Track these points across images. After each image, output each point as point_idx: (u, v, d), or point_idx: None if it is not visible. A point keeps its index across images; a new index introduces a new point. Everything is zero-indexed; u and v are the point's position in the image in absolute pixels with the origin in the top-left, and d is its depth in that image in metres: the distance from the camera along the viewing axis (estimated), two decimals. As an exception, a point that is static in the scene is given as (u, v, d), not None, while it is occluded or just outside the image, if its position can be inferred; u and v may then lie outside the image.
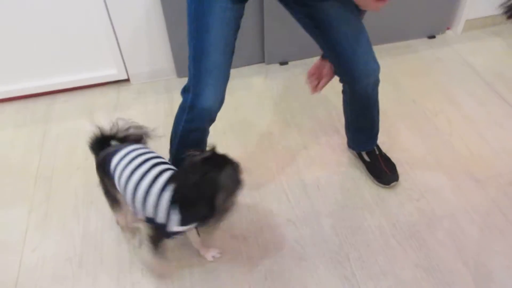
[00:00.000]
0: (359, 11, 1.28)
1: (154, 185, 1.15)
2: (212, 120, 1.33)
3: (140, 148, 1.28)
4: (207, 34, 1.16)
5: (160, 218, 1.14)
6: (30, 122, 1.97)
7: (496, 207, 1.52)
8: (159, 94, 2.08)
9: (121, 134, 1.33)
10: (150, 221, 1.17)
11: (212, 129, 1.39)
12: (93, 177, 1.69)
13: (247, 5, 1.24)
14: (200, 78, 1.22)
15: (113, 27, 1.93)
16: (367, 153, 1.64)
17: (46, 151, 1.83)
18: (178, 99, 2.06)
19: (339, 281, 1.34)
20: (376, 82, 1.39)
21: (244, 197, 1.60)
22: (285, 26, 2.04)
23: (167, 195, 1.12)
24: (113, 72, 2.09)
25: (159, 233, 1.20)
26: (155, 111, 1.99)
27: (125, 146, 1.28)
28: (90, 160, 1.75)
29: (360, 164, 1.69)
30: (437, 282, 1.32)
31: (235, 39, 1.23)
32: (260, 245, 1.45)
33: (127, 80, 2.15)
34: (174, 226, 1.14)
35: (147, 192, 1.15)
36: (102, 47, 1.99)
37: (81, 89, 2.13)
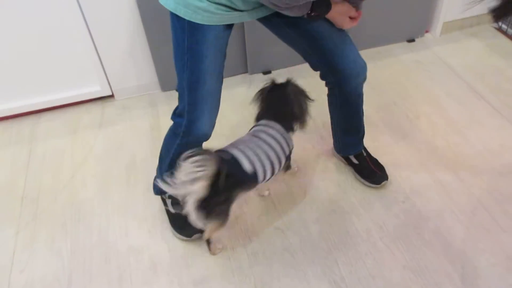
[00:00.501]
0: None
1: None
2: (207, 139, 1.35)
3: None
4: (202, 64, 1.18)
5: (291, 143, 1.42)
6: (15, 142, 1.97)
7: (481, 206, 1.54)
8: (144, 108, 2.09)
9: None
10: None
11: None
12: (80, 193, 1.70)
13: None
14: (196, 106, 1.24)
15: (94, 44, 1.94)
16: (355, 156, 1.66)
17: (32, 171, 1.82)
18: (163, 113, 2.08)
19: (329, 286, 1.35)
20: (365, 79, 1.42)
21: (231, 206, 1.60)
22: (267, 35, 2.06)
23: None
24: (97, 88, 2.09)
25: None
26: (141, 126, 1.99)
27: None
28: (76, 177, 1.77)
29: (345, 169, 1.70)
30: (425, 282, 1.34)
31: (225, 60, 1.26)
32: (249, 254, 1.45)
33: (112, 96, 2.15)
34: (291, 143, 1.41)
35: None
36: (85, 64, 2.00)
37: (65, 107, 2.13)
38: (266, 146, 1.32)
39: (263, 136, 1.35)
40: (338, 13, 1.25)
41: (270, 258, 1.44)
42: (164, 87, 2.16)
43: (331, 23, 1.29)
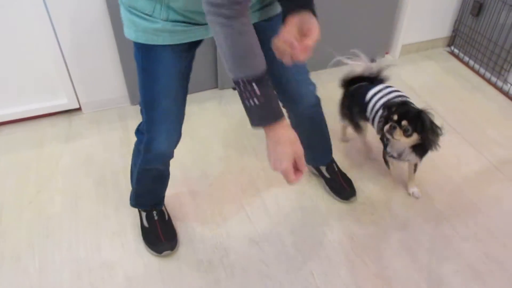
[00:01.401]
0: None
1: None
2: (169, 157, 1.35)
3: (390, 87, 1.68)
4: (156, 84, 1.14)
5: None
6: (-26, 156, 1.88)
7: (442, 217, 1.64)
8: (113, 122, 2.06)
9: (371, 75, 1.73)
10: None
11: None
12: (48, 209, 1.64)
13: None
14: (153, 125, 1.22)
15: (63, 55, 1.90)
16: (327, 169, 1.71)
17: (-6, 186, 1.74)
18: (133, 127, 2.05)
19: (305, 297, 1.38)
20: (317, 101, 1.44)
21: (206, 220, 1.61)
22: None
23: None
24: (63, 101, 2.04)
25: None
26: (110, 140, 1.96)
27: (378, 84, 1.69)
28: (42, 193, 1.71)
29: (316, 181, 1.76)
30: (396, 290, 1.40)
31: (186, 85, 1.21)
32: (225, 267, 1.46)
33: (79, 109, 2.11)
34: None
35: None
36: (51, 75, 1.95)
37: (28, 120, 2.06)
38: None
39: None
40: (286, 142, 0.99)
41: (246, 270, 1.45)
42: (134, 101, 2.14)
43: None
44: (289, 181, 0.99)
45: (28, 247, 1.52)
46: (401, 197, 1.71)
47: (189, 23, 1.07)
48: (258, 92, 0.91)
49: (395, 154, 1.59)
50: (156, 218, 1.51)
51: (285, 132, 0.98)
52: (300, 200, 1.69)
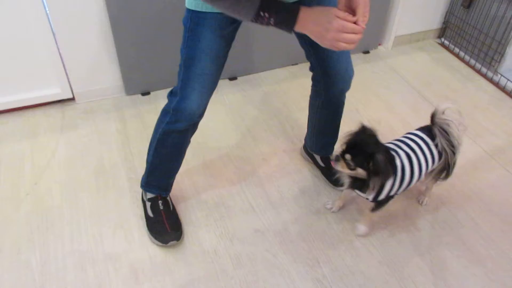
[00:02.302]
0: None
1: None
2: (194, 125, 1.37)
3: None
4: (199, 42, 1.20)
5: None
6: (-36, 147, 1.81)
7: (442, 203, 1.68)
8: (109, 112, 2.02)
9: None
10: None
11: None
12: (46, 201, 1.61)
13: None
14: (188, 83, 1.25)
15: (56, 44, 1.85)
16: (322, 159, 1.73)
17: (-12, 178, 1.69)
18: (130, 117, 2.03)
19: (313, 284, 1.39)
20: (348, 88, 1.49)
21: (210, 211, 1.60)
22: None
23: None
24: (57, 91, 1.99)
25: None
26: (107, 130, 1.92)
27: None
28: (39, 184, 1.67)
29: (316, 170, 1.77)
30: (400, 275, 1.43)
31: (227, 52, 1.27)
32: (232, 257, 1.46)
33: (72, 99, 2.05)
34: None
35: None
36: (44, 64, 1.89)
37: (20, 110, 2.00)
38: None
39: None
40: (315, 23, 0.99)
41: (253, 259, 1.46)
42: (129, 91, 2.10)
43: None
44: (358, 33, 1.00)
45: (29, 240, 1.48)
46: (401, 185, 1.74)
47: None
48: (267, 15, 0.98)
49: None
50: (161, 207, 1.50)
51: (311, 16, 1.00)
52: (303, 189, 1.70)
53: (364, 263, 1.46)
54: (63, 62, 1.91)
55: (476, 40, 2.39)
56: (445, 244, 1.53)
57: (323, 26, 0.99)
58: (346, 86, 1.47)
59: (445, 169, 1.50)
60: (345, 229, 1.57)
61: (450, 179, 1.77)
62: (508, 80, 2.25)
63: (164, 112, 1.36)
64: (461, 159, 1.87)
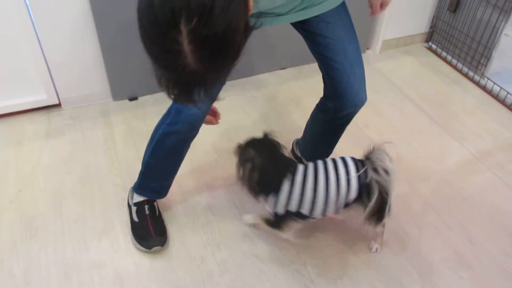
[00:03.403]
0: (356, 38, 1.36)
1: None
2: (195, 128, 1.34)
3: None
4: None
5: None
6: None
7: (429, 207, 1.68)
8: (96, 118, 2.00)
9: None
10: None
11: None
12: (30, 208, 1.58)
13: None
14: None
15: (41, 49, 1.83)
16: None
17: (-29, 186, 1.66)
18: (117, 123, 2.01)
19: (300, 290, 1.38)
20: (357, 111, 1.46)
21: (197, 216, 1.59)
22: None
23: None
24: (42, 97, 1.97)
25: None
26: (93, 137, 1.91)
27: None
28: (24, 192, 1.65)
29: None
30: (388, 280, 1.42)
31: None
32: (218, 263, 1.45)
33: (58, 105, 2.04)
34: None
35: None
36: (29, 70, 1.87)
37: (6, 117, 1.97)
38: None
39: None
40: None
41: (240, 265, 1.44)
42: (116, 96, 2.09)
43: (345, 47, 1.29)
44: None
45: (12, 249, 1.45)
46: (389, 188, 1.74)
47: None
48: None
49: None
50: (147, 212, 1.48)
51: None
52: (290, 194, 1.70)
53: (351, 268, 1.45)
54: (48, 68, 1.89)
55: (463, 44, 2.41)
56: (432, 248, 1.53)
57: None
58: (356, 109, 1.44)
59: (380, 210, 1.31)
60: (333, 233, 1.56)
61: (436, 181, 1.78)
62: (494, 83, 2.27)
63: (167, 112, 1.35)
64: (449, 162, 1.88)
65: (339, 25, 1.29)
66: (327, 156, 1.70)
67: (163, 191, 1.52)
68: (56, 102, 2.01)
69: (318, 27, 1.28)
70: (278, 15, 1.19)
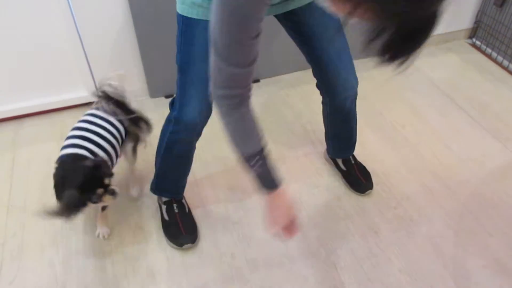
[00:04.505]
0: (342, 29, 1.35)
1: None
2: (198, 133, 1.35)
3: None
4: (193, 46, 1.18)
5: None
6: (-4, 148, 1.89)
7: (467, 211, 1.61)
8: (133, 115, 2.06)
9: None
10: None
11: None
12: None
13: None
14: (185, 90, 1.24)
15: (83, 47, 1.90)
16: (343, 162, 1.70)
17: (17, 179, 1.75)
18: (152, 119, 2.05)
19: (329, 291, 1.37)
20: (354, 96, 1.46)
21: (228, 214, 1.61)
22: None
23: None
24: (83, 94, 2.04)
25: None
26: (130, 133, 1.96)
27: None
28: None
29: (337, 175, 1.74)
30: (421, 285, 1.38)
31: None
32: (248, 261, 1.45)
33: (98, 102, 2.11)
34: None
35: None
36: (71, 68, 1.95)
37: (49, 113, 2.07)
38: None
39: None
40: (281, 207, 1.11)
41: (269, 264, 1.45)
42: (153, 94, 2.14)
43: (331, 37, 1.30)
44: (284, 237, 1.15)
45: (52, 240, 1.52)
46: (424, 190, 1.69)
47: None
48: (255, 166, 1.04)
49: None
50: (176, 211, 1.51)
51: (282, 200, 1.10)
52: (322, 194, 1.68)
53: (383, 271, 1.42)
54: (89, 66, 1.96)
55: (509, 40, 2.29)
56: (469, 254, 1.47)
57: (276, 216, 1.12)
58: (350, 94, 1.43)
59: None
60: (365, 235, 1.53)
61: (477, 184, 1.70)
62: (543, 82, 2.14)
63: (167, 121, 1.36)
64: (490, 165, 1.80)
65: (322, 13, 1.24)
66: (351, 147, 1.68)
67: (180, 191, 1.55)
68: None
69: (304, 15, 1.26)
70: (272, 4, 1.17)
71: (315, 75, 1.45)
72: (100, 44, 1.91)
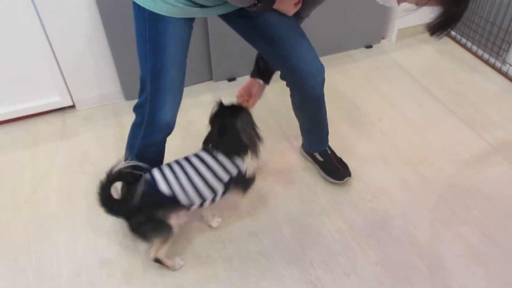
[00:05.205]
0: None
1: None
2: (169, 133, 1.35)
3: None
4: (164, 53, 1.19)
5: (232, 171, 1.32)
6: (-32, 157, 1.86)
7: (442, 201, 1.62)
8: (108, 118, 2.04)
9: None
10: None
11: (165, 148, 1.41)
12: (44, 208, 1.63)
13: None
14: (159, 95, 1.25)
15: (53, 52, 1.87)
16: (320, 154, 1.70)
17: (-11, 187, 1.73)
18: (128, 122, 2.02)
19: (306, 287, 1.37)
20: (323, 81, 1.44)
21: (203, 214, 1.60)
22: (231, 42, 2.09)
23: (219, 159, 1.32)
24: (56, 99, 2.02)
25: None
26: (106, 136, 1.94)
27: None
28: (38, 193, 1.70)
29: (314, 170, 1.74)
30: (396, 277, 1.39)
31: (187, 55, 1.27)
32: (224, 261, 1.45)
33: (73, 106, 2.09)
34: (242, 165, 1.35)
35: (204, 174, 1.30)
36: (42, 73, 1.92)
37: (22, 119, 2.04)
38: (193, 171, 1.29)
39: (194, 160, 1.32)
40: (282, 2, 1.25)
41: (245, 263, 1.44)
42: (128, 96, 2.12)
43: (288, 24, 1.32)
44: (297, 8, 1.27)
45: (25, 248, 1.50)
46: (400, 182, 1.69)
47: (191, 1, 1.14)
48: (259, 4, 1.11)
49: None
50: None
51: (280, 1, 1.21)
52: (298, 190, 1.68)
53: (359, 265, 1.43)
54: (61, 70, 1.93)
55: (483, 30, 2.31)
56: (444, 243, 1.48)
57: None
58: (316, 81, 1.42)
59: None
60: (341, 229, 1.53)
61: (452, 174, 1.71)
62: (516, 69, 2.16)
63: (136, 127, 1.35)
64: (465, 155, 1.81)
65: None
66: (324, 138, 1.68)
67: None
68: (70, 103, 2.05)
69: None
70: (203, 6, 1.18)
71: (277, 66, 1.46)
72: (71, 48, 1.89)
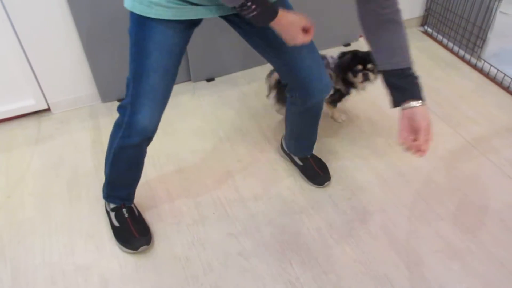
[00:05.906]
0: None
1: None
2: (148, 138, 1.33)
3: None
4: (147, 59, 1.18)
5: None
6: None
7: (419, 197, 1.64)
8: (84, 121, 2.01)
9: None
10: None
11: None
12: (18, 214, 1.60)
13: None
14: (138, 98, 1.23)
15: (25, 54, 1.83)
16: (299, 158, 1.70)
17: (-38, 194, 1.69)
18: (105, 125, 2.01)
19: (285, 287, 1.36)
20: (326, 95, 1.45)
21: (183, 217, 1.58)
22: (209, 42, 2.07)
23: None
24: (31, 102, 1.98)
25: None
26: (82, 139, 1.91)
27: None
28: (13, 198, 1.66)
29: (293, 170, 1.74)
30: (375, 274, 1.40)
31: (177, 64, 1.24)
32: (203, 263, 1.44)
33: (48, 109, 2.05)
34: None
35: None
36: (15, 76, 1.88)
37: (-4, 123, 2.00)
38: None
39: None
40: (290, 23, 1.11)
41: (224, 264, 1.43)
42: (105, 98, 2.09)
43: None
44: (305, 41, 1.15)
45: (0, 255, 1.47)
46: (378, 180, 1.71)
47: (184, 1, 1.11)
48: (253, 6, 1.03)
49: None
50: (126, 215, 1.48)
51: (286, 18, 1.10)
52: (278, 190, 1.67)
53: (338, 263, 1.43)
54: (34, 73, 1.90)
55: (458, 26, 2.34)
56: (422, 239, 1.49)
57: (290, 32, 1.13)
58: (323, 96, 1.43)
59: None
60: (320, 228, 1.53)
61: (429, 170, 1.73)
62: (491, 66, 2.20)
63: (117, 126, 1.34)
64: (442, 151, 1.83)
65: None
66: (312, 145, 1.68)
67: (131, 197, 1.52)
68: (45, 106, 2.02)
69: None
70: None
71: (286, 78, 1.43)
72: (44, 50, 1.85)
